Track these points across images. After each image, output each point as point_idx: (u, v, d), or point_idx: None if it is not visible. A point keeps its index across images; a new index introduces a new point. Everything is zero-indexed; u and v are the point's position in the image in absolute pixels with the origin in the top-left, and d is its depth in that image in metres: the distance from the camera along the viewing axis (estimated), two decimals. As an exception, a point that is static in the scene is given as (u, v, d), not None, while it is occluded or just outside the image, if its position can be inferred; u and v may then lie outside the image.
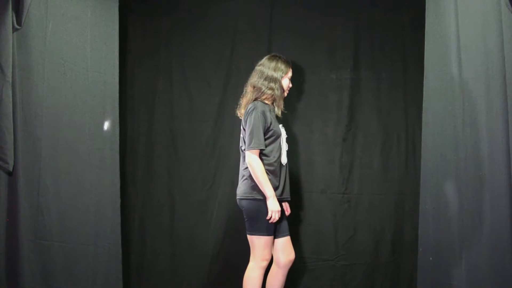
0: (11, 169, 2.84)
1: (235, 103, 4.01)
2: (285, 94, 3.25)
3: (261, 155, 3.06)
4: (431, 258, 2.75)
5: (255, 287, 3.09)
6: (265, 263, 3.09)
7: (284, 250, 3.16)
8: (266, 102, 3.17)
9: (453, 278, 2.57)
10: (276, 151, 3.10)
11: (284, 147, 3.19)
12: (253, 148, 3.01)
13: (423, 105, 3.15)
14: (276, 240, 3.16)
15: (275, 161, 3.08)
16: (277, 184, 3.09)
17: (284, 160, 3.15)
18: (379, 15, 3.94)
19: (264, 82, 3.16)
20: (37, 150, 3.04)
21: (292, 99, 3.99)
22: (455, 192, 2.60)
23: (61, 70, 3.23)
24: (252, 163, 3.01)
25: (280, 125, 3.20)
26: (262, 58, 3.97)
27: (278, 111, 3.18)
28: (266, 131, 3.06)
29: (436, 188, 2.78)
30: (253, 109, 3.06)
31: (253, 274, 3.09)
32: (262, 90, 3.15)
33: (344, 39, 3.96)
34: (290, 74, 3.25)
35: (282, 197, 3.12)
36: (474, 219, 2.45)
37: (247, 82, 3.27)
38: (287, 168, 3.19)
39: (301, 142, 3.93)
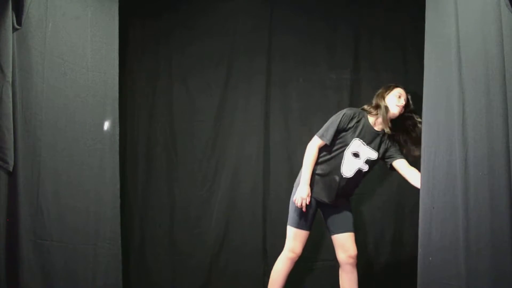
0: (11, 169, 2.83)
1: (235, 103, 4.04)
2: (396, 111, 3.23)
3: (323, 148, 3.17)
4: (431, 258, 2.75)
5: (278, 275, 3.19)
6: (292, 255, 3.17)
7: (341, 246, 3.21)
8: (370, 115, 3.24)
9: (453, 278, 2.56)
10: (335, 155, 3.16)
11: (353, 162, 3.16)
12: (317, 135, 3.18)
13: (423, 105, 3.14)
14: (333, 237, 3.25)
15: (331, 163, 3.15)
16: (322, 184, 3.15)
17: (344, 171, 3.16)
18: (379, 15, 3.94)
19: (373, 103, 3.30)
20: (37, 150, 3.04)
21: (292, 99, 3.99)
22: (455, 192, 2.59)
23: (61, 70, 3.23)
24: (308, 147, 3.19)
25: (361, 141, 3.17)
26: (262, 57, 4.01)
27: (385, 128, 3.21)
28: (339, 131, 3.15)
29: (436, 188, 2.77)
30: (344, 109, 3.24)
31: (280, 264, 3.21)
32: (370, 108, 3.29)
33: (344, 39, 3.96)
34: (394, 91, 3.27)
35: (326, 200, 3.18)
36: (474, 219, 2.44)
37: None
38: (349, 183, 3.18)
39: (301, 142, 3.93)
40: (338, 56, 3.96)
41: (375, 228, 3.83)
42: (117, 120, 3.65)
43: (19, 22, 2.89)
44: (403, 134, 3.27)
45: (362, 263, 3.80)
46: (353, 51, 3.94)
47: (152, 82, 4.09)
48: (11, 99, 2.82)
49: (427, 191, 2.82)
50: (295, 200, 3.12)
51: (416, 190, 3.03)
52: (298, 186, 3.17)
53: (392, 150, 3.25)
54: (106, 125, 3.58)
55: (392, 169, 3.26)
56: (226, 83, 4.02)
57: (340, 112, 3.19)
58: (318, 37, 3.98)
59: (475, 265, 2.40)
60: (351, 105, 3.90)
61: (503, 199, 2.32)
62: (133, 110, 4.06)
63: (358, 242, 3.80)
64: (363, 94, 3.92)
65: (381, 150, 3.24)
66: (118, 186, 3.63)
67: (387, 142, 3.25)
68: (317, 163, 3.16)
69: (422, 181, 2.88)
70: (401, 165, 3.22)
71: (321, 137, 3.16)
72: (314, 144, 3.17)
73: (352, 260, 3.19)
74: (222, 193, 3.95)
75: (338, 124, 3.14)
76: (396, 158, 3.23)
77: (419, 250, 2.90)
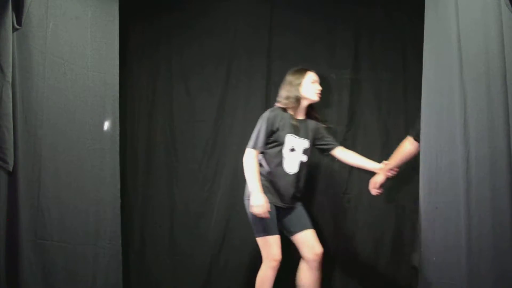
0: (11, 169, 2.83)
1: (235, 103, 4.03)
2: (316, 98, 3.35)
3: (264, 158, 3.21)
4: (434, 258, 2.75)
5: (263, 285, 3.14)
6: (275, 263, 3.14)
7: (306, 244, 3.22)
8: (287, 110, 3.30)
9: (453, 278, 2.56)
10: (275, 157, 3.22)
11: (293, 156, 3.24)
12: (250, 147, 3.21)
13: (422, 104, 3.14)
14: (293, 237, 3.26)
15: (273, 167, 3.22)
16: (273, 189, 3.20)
17: (288, 169, 3.22)
18: (379, 15, 3.93)
19: (282, 96, 3.34)
20: (37, 150, 3.04)
21: (292, 99, 3.99)
22: (457, 192, 2.60)
23: (61, 70, 3.23)
24: (244, 160, 3.20)
25: (293, 136, 3.25)
26: (262, 57, 4.01)
27: (297, 116, 3.32)
28: (269, 135, 3.20)
29: (438, 188, 2.77)
30: (265, 113, 3.26)
31: (264, 274, 3.16)
32: (283, 102, 3.32)
33: (344, 39, 3.96)
34: (307, 77, 3.34)
35: (280, 204, 3.22)
36: (475, 219, 2.44)
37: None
38: (299, 177, 3.28)
39: (301, 142, 3.93)
40: (338, 56, 3.95)
41: (375, 228, 3.82)
42: (117, 120, 3.65)
43: (19, 22, 2.89)
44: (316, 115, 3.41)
45: (362, 263, 3.81)
46: (353, 51, 3.94)
47: (152, 82, 4.09)
48: (11, 99, 2.83)
49: (429, 191, 2.82)
50: (254, 211, 3.10)
51: (416, 190, 3.03)
52: (249, 198, 3.16)
53: (326, 139, 3.40)
54: (106, 125, 3.58)
55: (329, 155, 3.44)
56: (226, 83, 4.02)
57: (261, 118, 3.26)
58: (318, 37, 3.98)
59: (477, 265, 2.41)
60: (351, 104, 3.91)
61: (504, 199, 2.32)
62: (133, 110, 4.06)
63: (359, 242, 3.82)
64: (363, 94, 3.92)
65: (310, 136, 3.34)
66: (118, 186, 3.64)
67: (312, 126, 3.37)
68: (260, 172, 3.19)
69: (423, 181, 2.89)
70: (339, 152, 3.42)
71: (254, 147, 3.20)
72: (251, 156, 3.19)
73: (318, 258, 3.21)
74: (222, 193, 3.94)
75: (266, 129, 3.19)
76: (333, 147, 3.42)
77: (421, 250, 2.91)
